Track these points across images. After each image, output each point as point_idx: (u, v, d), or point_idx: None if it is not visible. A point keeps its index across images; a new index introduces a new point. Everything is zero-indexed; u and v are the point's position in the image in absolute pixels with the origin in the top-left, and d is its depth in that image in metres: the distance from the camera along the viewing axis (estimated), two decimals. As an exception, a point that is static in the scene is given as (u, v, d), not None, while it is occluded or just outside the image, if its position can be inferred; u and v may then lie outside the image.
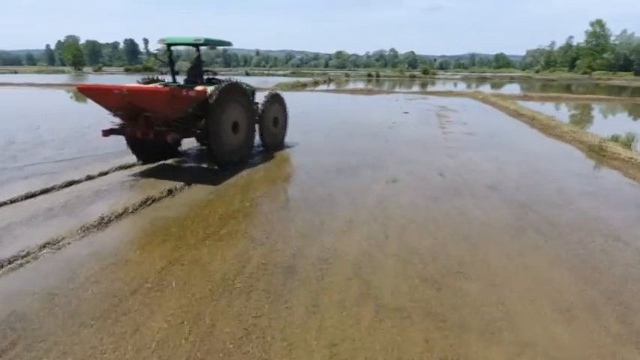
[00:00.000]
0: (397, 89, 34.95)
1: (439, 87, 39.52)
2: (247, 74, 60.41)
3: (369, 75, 62.96)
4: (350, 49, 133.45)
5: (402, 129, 12.73)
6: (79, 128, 11.47)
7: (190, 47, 8.47)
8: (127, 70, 69.30)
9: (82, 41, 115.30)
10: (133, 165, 7.71)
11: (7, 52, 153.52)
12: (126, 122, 7.09)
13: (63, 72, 68.22)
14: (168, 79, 8.39)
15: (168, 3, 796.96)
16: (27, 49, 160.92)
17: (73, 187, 6.33)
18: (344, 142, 10.55)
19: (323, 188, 6.55)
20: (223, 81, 7.90)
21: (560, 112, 18.46)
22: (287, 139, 10.26)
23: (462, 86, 41.60)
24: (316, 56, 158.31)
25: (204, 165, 8.02)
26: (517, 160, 8.73)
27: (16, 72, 63.33)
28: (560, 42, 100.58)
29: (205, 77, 8.35)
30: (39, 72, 66.01)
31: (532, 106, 18.18)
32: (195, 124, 7.15)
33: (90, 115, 12.30)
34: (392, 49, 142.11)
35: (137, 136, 6.98)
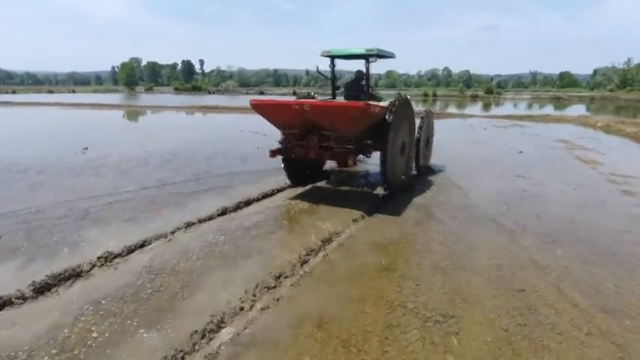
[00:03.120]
0: (466, 111, 30.08)
1: (519, 109, 34.09)
2: (295, 93, 57.85)
3: (425, 94, 58.23)
4: (400, 69, 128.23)
5: (561, 209, 6.16)
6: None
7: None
8: (176, 89, 70.05)
9: (144, 62, 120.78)
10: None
11: (79, 73, 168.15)
12: (293, 142, 6.52)
13: (117, 91, 69.94)
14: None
15: (228, 25, 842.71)
16: (95, 70, 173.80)
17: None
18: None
19: None
20: (385, 97, 7.29)
21: None
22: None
23: (539, 108, 35.77)
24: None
25: (359, 189, 7.35)
26: None
27: (74, 91, 65.32)
28: (637, 58, 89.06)
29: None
30: (94, 92, 67.88)
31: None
32: (362, 143, 6.36)
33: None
34: (445, 68, 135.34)
35: (310, 157, 6.43)
